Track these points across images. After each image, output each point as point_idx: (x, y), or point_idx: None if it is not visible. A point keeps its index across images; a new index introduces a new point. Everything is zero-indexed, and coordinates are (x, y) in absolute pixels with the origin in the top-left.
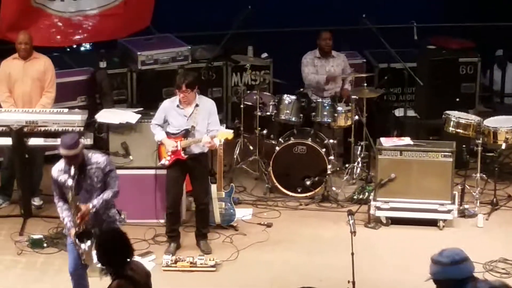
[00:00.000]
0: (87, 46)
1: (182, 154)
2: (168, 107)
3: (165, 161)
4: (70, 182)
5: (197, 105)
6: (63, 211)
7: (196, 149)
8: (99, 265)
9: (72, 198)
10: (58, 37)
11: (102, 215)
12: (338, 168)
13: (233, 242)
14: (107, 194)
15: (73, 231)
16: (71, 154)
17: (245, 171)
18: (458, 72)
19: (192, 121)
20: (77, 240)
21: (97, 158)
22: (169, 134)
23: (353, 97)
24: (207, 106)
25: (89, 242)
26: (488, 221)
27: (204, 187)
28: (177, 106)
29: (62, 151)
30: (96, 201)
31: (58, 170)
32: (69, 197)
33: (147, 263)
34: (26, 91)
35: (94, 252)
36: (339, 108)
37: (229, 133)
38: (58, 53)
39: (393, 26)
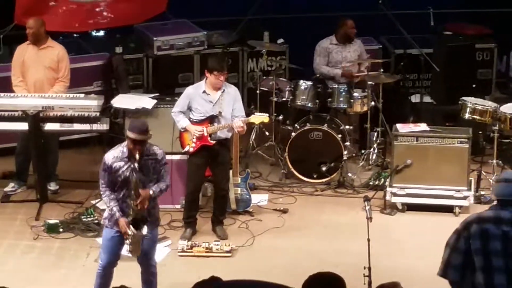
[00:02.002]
0: (103, 31)
1: (209, 140)
2: (193, 94)
3: (189, 148)
4: (125, 167)
5: (223, 91)
6: (110, 201)
7: (222, 134)
8: None
9: (134, 182)
10: (74, 22)
11: (151, 211)
12: (354, 154)
13: (248, 227)
14: (162, 185)
15: (123, 220)
16: (141, 138)
17: (261, 157)
18: (474, 58)
19: (219, 106)
20: (132, 226)
21: (154, 150)
22: (192, 121)
23: (369, 83)
24: (232, 92)
25: (145, 229)
26: None
27: (226, 172)
28: (203, 92)
29: (132, 135)
30: (154, 189)
31: (113, 157)
32: (133, 181)
33: (162, 248)
34: (38, 79)
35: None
36: (355, 94)
37: (265, 117)
38: (74, 38)
39: (410, 12)
